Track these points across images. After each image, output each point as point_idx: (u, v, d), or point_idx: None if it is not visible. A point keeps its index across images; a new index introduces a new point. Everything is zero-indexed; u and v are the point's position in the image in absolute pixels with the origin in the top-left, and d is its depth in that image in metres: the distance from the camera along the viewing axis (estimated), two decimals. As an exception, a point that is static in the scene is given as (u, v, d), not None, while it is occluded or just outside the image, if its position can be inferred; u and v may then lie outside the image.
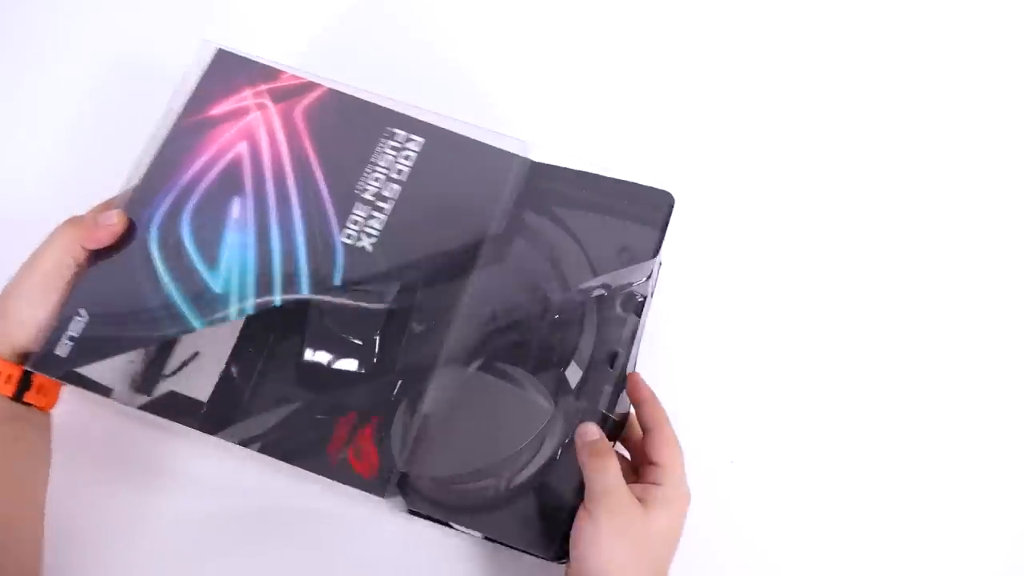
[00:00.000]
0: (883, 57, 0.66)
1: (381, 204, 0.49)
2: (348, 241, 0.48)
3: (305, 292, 0.47)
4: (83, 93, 0.60)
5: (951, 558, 0.53)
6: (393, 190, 0.49)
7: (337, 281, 0.47)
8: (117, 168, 0.49)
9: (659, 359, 0.51)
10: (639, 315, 0.50)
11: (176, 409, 0.47)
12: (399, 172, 0.49)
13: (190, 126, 0.49)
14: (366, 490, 0.45)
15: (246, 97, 0.50)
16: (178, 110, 0.50)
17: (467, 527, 0.46)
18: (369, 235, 0.48)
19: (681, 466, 0.45)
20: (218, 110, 0.50)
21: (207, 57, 0.51)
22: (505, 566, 0.51)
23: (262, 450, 0.45)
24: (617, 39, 0.65)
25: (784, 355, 0.56)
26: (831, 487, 0.54)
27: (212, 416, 0.46)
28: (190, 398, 0.47)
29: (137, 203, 0.48)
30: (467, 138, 0.50)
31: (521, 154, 0.51)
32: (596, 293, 0.49)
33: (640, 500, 0.43)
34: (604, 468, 0.43)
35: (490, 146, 0.50)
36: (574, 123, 0.62)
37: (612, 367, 0.48)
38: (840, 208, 0.61)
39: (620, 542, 0.42)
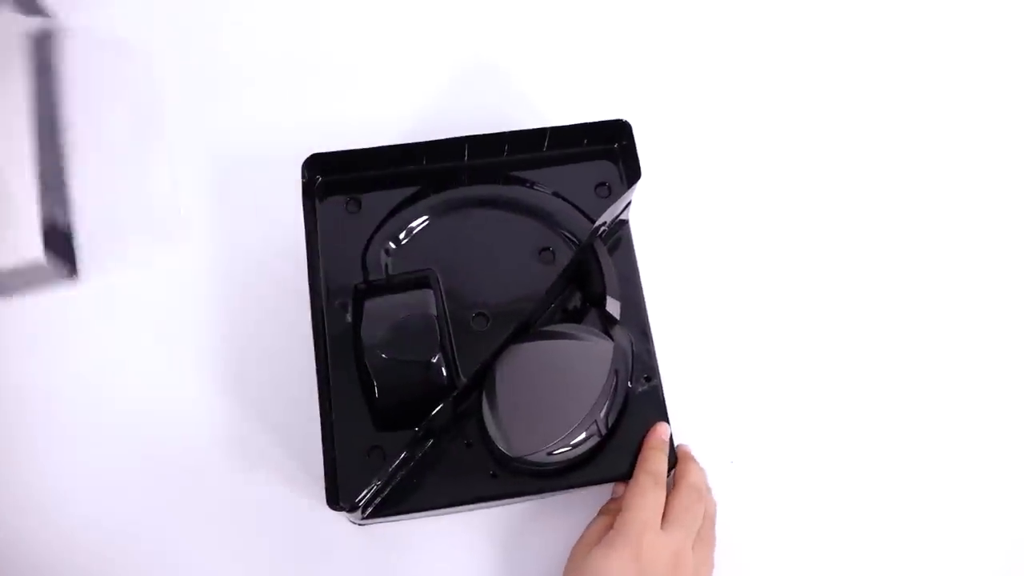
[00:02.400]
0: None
1: None
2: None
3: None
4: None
5: (951, 558, 0.53)
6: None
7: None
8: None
9: (660, 360, 0.52)
10: (630, 236, 0.54)
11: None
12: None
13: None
14: None
15: None
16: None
17: (581, 484, 0.49)
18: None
19: (636, 511, 0.46)
20: None
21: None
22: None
23: None
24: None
25: (784, 355, 0.57)
26: (831, 487, 0.54)
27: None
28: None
29: None
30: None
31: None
32: (601, 232, 0.52)
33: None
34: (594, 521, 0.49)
35: None
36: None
37: (634, 289, 0.53)
38: (841, 202, 0.61)
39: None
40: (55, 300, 0.55)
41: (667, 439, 0.50)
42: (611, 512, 0.49)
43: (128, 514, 0.52)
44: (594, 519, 0.50)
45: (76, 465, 0.53)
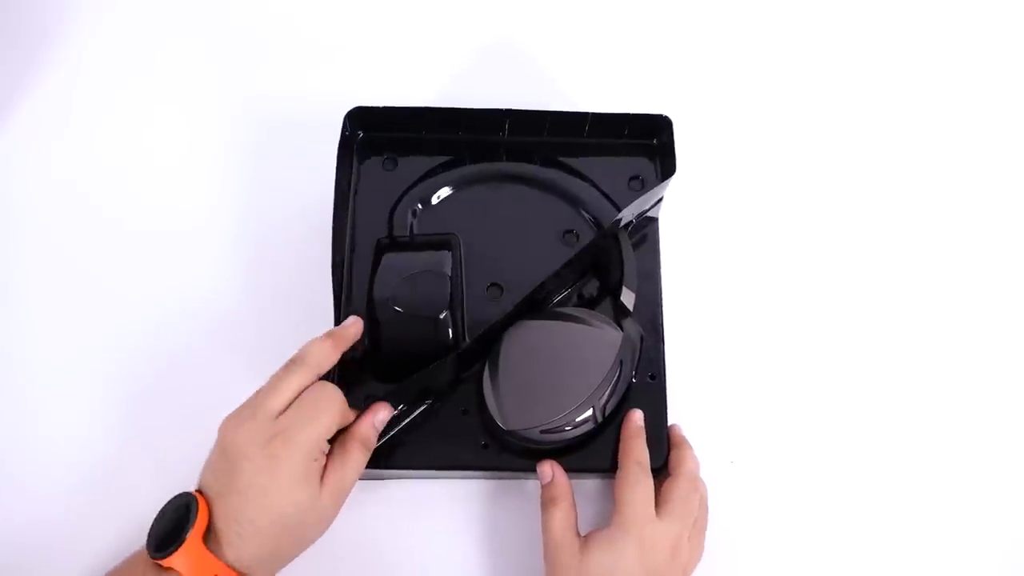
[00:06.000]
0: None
1: None
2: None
3: None
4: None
5: (951, 558, 0.53)
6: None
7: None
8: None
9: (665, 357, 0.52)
10: (657, 234, 0.54)
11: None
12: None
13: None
14: None
15: None
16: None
17: (568, 469, 0.48)
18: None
19: (632, 505, 0.46)
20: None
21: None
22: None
23: None
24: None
25: (784, 355, 0.57)
26: (831, 487, 0.54)
27: None
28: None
29: None
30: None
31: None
32: (624, 223, 0.52)
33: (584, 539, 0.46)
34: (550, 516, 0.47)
35: None
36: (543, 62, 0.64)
37: (654, 286, 0.53)
38: (838, 207, 0.61)
39: None
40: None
41: (642, 424, 0.49)
42: (557, 500, 0.47)
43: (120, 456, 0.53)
44: (547, 513, 0.47)
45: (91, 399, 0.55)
